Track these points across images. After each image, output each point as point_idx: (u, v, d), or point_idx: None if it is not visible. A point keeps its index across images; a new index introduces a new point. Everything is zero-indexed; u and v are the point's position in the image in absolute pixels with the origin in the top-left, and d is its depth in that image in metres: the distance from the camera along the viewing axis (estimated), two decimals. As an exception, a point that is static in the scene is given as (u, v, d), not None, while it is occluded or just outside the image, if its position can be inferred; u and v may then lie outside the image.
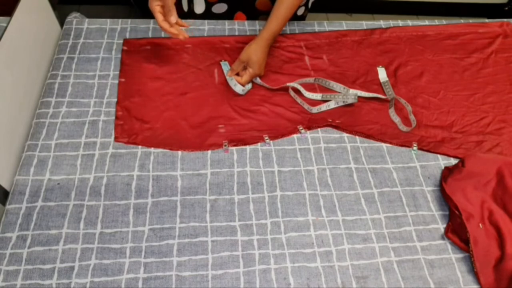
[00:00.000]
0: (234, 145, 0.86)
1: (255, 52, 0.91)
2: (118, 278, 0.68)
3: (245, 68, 0.94)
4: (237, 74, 0.95)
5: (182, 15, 1.15)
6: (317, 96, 0.95)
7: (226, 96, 0.94)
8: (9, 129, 0.81)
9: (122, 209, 0.76)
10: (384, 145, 0.89)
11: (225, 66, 0.99)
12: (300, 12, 1.12)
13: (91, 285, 0.67)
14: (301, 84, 0.97)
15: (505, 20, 1.21)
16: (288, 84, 0.95)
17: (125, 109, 0.89)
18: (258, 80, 0.96)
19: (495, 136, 0.93)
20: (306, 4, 1.11)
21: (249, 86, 0.95)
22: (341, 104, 0.94)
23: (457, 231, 0.77)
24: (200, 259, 0.71)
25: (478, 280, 0.72)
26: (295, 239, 0.75)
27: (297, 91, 0.96)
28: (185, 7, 1.11)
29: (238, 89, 0.94)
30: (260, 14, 1.11)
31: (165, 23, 0.86)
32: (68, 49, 0.99)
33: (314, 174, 0.83)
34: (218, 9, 1.09)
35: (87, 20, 1.05)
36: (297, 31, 1.10)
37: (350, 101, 0.93)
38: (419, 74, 1.04)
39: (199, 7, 1.09)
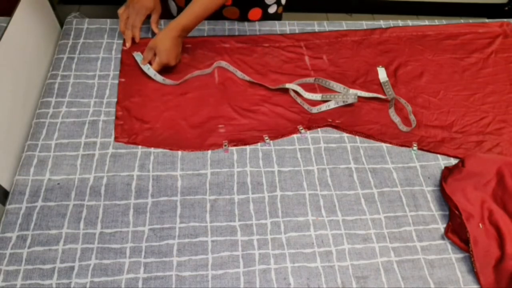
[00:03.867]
0: (234, 145, 0.86)
1: (161, 41, 0.91)
2: (118, 278, 0.68)
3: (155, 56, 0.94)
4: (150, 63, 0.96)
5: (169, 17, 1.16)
6: (316, 96, 0.95)
7: (226, 96, 0.94)
8: (9, 129, 0.81)
9: (122, 209, 0.75)
10: (384, 145, 0.89)
11: (138, 56, 0.98)
12: (272, 10, 1.11)
13: (91, 285, 0.67)
14: (301, 85, 0.97)
15: (505, 20, 1.21)
16: (287, 85, 0.95)
17: (125, 109, 0.89)
18: (250, 79, 0.96)
19: (495, 136, 0.93)
20: (278, 2, 1.10)
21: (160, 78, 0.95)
22: (341, 104, 0.94)
23: (457, 231, 0.77)
24: (200, 259, 0.71)
25: (478, 280, 0.72)
26: (295, 239, 0.75)
27: (297, 91, 0.96)
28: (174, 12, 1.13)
29: (156, 76, 0.94)
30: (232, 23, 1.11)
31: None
32: (68, 49, 0.99)
33: (314, 174, 0.83)
34: None
35: (87, 20, 1.05)
36: (297, 31, 1.10)
37: (350, 101, 0.93)
38: (419, 74, 1.04)
39: (173, 10, 1.11)
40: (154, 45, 0.92)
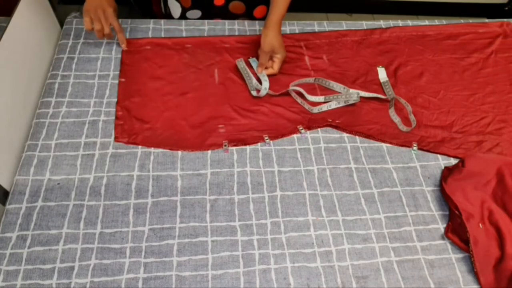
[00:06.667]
0: (234, 145, 0.86)
1: (275, 38, 0.93)
2: (118, 278, 0.68)
3: (271, 58, 0.96)
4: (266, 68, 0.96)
5: (161, 16, 1.16)
6: (319, 98, 0.95)
7: (226, 96, 0.94)
8: (9, 129, 0.81)
9: (122, 209, 0.75)
10: (384, 145, 0.89)
11: (254, 63, 0.99)
12: None
13: (91, 285, 0.67)
14: (302, 85, 0.97)
15: (505, 20, 1.21)
16: (290, 88, 0.95)
17: (125, 109, 0.89)
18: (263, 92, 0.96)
19: (495, 136, 0.93)
20: None
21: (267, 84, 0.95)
22: (342, 104, 0.94)
23: (457, 231, 0.77)
24: (200, 259, 0.71)
25: (478, 280, 0.72)
26: (295, 239, 0.75)
27: (298, 91, 0.96)
28: (163, 9, 1.12)
29: (265, 86, 0.93)
30: (237, 17, 1.11)
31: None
32: (68, 49, 0.99)
33: (314, 174, 0.83)
34: (192, 15, 1.10)
35: (87, 20, 1.05)
36: (297, 31, 1.10)
37: (352, 100, 0.93)
38: (419, 74, 1.04)
39: (176, 11, 1.10)
40: (270, 46, 0.93)
